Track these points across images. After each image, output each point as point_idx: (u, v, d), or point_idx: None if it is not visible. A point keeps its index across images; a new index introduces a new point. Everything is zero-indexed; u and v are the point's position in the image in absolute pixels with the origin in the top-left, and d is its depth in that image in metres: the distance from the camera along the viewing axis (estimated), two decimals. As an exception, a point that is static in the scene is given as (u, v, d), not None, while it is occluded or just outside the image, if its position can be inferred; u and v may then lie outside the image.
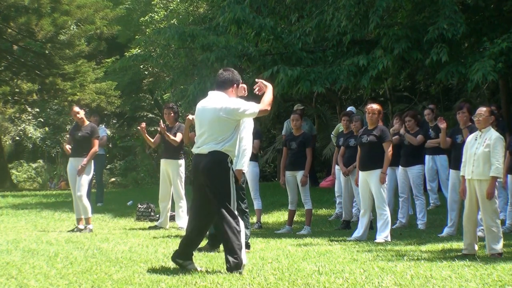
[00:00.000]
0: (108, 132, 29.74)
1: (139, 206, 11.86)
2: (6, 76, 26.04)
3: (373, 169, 8.48)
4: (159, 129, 9.99)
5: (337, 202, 11.39)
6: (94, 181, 15.05)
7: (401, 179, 10.22)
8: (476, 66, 10.71)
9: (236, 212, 5.68)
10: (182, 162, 9.91)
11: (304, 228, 9.67)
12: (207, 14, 21.59)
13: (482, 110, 7.09)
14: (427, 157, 10.66)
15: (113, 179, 34.89)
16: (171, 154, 9.92)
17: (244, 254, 5.60)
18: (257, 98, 5.99)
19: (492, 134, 7.00)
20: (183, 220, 9.78)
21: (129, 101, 31.72)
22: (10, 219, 11.79)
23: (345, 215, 10.38)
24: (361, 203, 8.84)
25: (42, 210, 13.54)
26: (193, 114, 6.47)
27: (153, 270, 5.77)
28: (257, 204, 10.30)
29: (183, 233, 6.95)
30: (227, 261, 5.58)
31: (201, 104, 5.94)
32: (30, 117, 37.60)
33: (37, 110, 35.66)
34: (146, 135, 9.90)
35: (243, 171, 7.06)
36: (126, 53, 25.52)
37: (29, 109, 34.42)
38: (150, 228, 10.18)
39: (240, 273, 5.48)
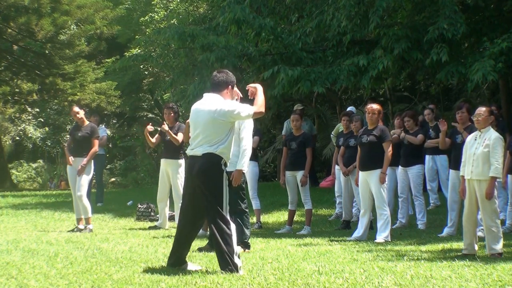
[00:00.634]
0: (108, 132, 29.76)
1: (139, 206, 11.87)
2: (6, 76, 26.03)
3: (373, 169, 8.48)
4: (159, 128, 9.99)
5: (337, 202, 11.39)
6: (94, 181, 15.05)
7: (401, 179, 10.23)
8: (476, 66, 10.71)
9: (227, 216, 5.65)
10: (182, 162, 9.91)
11: (304, 228, 9.67)
12: (207, 14, 21.60)
13: (482, 110, 7.09)
14: (427, 157, 10.66)
15: (113, 179, 34.91)
16: (171, 154, 9.92)
17: (237, 257, 5.59)
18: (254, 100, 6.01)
19: (492, 134, 7.00)
20: None
21: (129, 101, 31.72)
22: (10, 219, 11.79)
23: (345, 215, 10.38)
24: (361, 203, 8.84)
25: (42, 210, 13.54)
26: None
27: (153, 270, 5.77)
28: (255, 204, 10.28)
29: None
30: (221, 266, 5.58)
31: (196, 106, 5.94)
32: (30, 117, 37.61)
33: (37, 110, 35.66)
34: (148, 136, 9.88)
35: (243, 171, 7.07)
36: (126, 53, 25.51)
37: (29, 109, 34.43)
38: (150, 228, 10.18)
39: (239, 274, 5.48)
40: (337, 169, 10.75)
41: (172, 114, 9.97)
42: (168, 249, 7.24)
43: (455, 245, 7.75)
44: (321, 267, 5.92)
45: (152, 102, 34.47)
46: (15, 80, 26.46)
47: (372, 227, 9.28)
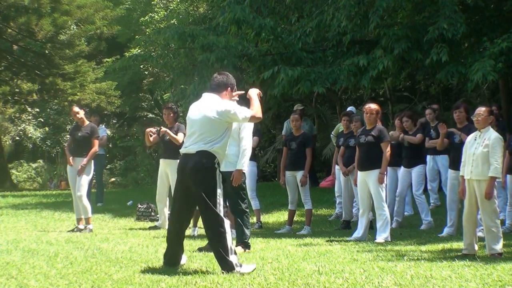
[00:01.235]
0: (108, 132, 29.76)
1: (139, 206, 11.87)
2: (6, 76, 26.03)
3: (371, 169, 8.47)
4: (159, 129, 9.97)
5: (337, 202, 11.39)
6: (94, 181, 15.05)
7: (402, 180, 10.19)
8: (476, 66, 10.71)
9: (221, 214, 5.65)
10: None
11: (304, 228, 9.67)
12: (207, 14, 21.59)
13: (481, 110, 7.09)
14: (428, 157, 10.64)
15: (113, 179, 34.91)
16: (170, 154, 9.89)
17: (233, 254, 5.60)
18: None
19: (491, 134, 7.00)
20: None
21: (129, 101, 31.71)
22: (10, 219, 11.79)
23: (345, 215, 10.38)
24: (359, 203, 8.84)
25: (42, 210, 13.54)
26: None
27: (153, 270, 5.77)
28: (255, 204, 10.28)
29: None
30: (220, 266, 5.62)
31: (194, 105, 5.97)
32: (30, 117, 37.62)
33: (37, 110, 35.67)
34: (149, 136, 9.83)
35: (243, 171, 7.07)
36: (126, 53, 25.51)
37: (29, 109, 34.43)
38: (150, 228, 10.18)
39: (239, 270, 5.49)
40: (337, 169, 10.75)
41: (171, 115, 9.95)
42: (168, 249, 7.25)
43: (455, 245, 7.75)
44: (321, 267, 5.92)
45: (152, 102, 34.46)
46: (15, 80, 26.46)
47: (372, 227, 9.27)
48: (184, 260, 6.03)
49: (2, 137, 31.63)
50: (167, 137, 9.71)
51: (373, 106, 8.71)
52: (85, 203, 9.64)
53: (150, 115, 35.39)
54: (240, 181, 7.06)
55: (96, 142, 9.87)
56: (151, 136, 9.49)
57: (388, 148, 8.52)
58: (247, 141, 7.11)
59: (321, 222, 11.19)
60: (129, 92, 31.10)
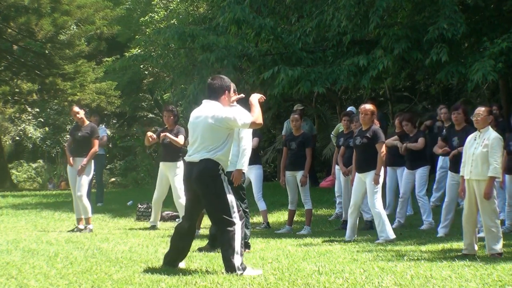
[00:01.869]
0: (108, 132, 29.73)
1: (139, 206, 11.87)
2: (6, 76, 26.02)
3: (368, 170, 8.45)
4: (159, 129, 10.00)
5: (337, 202, 11.39)
6: (94, 181, 15.04)
7: (405, 180, 10.15)
8: (476, 66, 10.71)
9: (233, 216, 5.68)
10: (180, 164, 9.86)
11: (304, 228, 9.68)
12: (207, 14, 21.57)
13: (481, 110, 7.09)
14: (439, 158, 10.61)
15: (113, 179, 34.88)
16: (170, 157, 9.91)
17: (238, 256, 5.60)
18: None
19: (491, 134, 7.00)
20: None
21: (129, 101, 31.70)
22: (10, 219, 11.79)
23: (345, 215, 10.35)
24: (351, 200, 8.77)
25: (42, 210, 13.54)
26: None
27: (153, 270, 5.77)
28: (261, 206, 10.33)
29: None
30: (223, 264, 5.66)
31: (195, 113, 5.99)
32: (30, 117, 37.58)
33: (37, 110, 35.63)
34: (148, 138, 9.83)
35: (243, 171, 7.07)
36: (126, 53, 25.50)
37: (29, 109, 34.40)
38: (150, 228, 10.18)
39: (241, 274, 5.49)
40: (337, 169, 10.74)
41: (171, 117, 9.95)
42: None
43: (455, 245, 7.75)
44: (321, 267, 5.93)
45: (152, 102, 34.45)
46: (15, 80, 26.44)
47: (372, 227, 9.27)
48: (182, 265, 6.04)
49: (2, 137, 31.61)
50: (167, 140, 9.72)
51: (368, 106, 8.68)
52: (85, 203, 9.64)
53: (150, 115, 35.36)
54: (240, 181, 7.06)
55: (96, 142, 9.88)
56: (151, 139, 9.57)
57: (383, 149, 8.49)
58: (247, 141, 7.11)
59: (321, 222, 11.19)
60: (129, 92, 31.08)
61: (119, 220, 11.87)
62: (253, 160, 9.11)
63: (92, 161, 9.87)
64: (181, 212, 10.03)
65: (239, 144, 7.12)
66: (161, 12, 26.44)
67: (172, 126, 9.92)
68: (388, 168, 10.35)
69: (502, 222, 8.90)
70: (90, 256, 6.74)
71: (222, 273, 5.53)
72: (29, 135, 38.37)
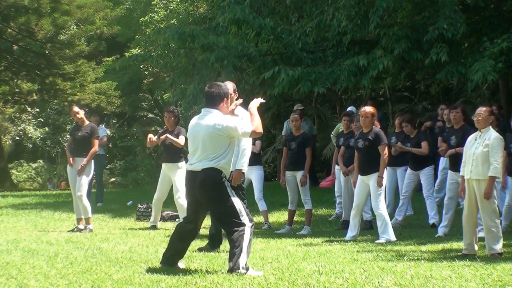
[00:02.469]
0: (108, 132, 29.73)
1: (139, 206, 11.87)
2: (6, 76, 26.01)
3: (371, 173, 8.46)
4: (159, 129, 10.01)
5: (337, 202, 11.38)
6: (94, 181, 15.05)
7: (408, 179, 10.14)
8: (476, 66, 10.71)
9: (242, 219, 5.70)
10: (182, 164, 9.86)
11: (304, 228, 9.68)
12: (207, 14, 21.58)
13: (482, 110, 7.09)
14: (441, 159, 10.62)
15: (113, 179, 34.88)
16: (172, 158, 9.91)
17: (243, 258, 5.60)
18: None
19: (491, 134, 7.01)
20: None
21: (129, 101, 31.69)
22: (10, 219, 11.79)
23: (345, 215, 10.35)
24: (354, 201, 8.78)
25: (42, 210, 13.53)
26: (193, 114, 6.52)
27: (153, 270, 5.78)
28: (262, 206, 10.34)
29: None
30: (228, 262, 5.68)
31: (195, 121, 5.99)
32: (30, 117, 37.58)
33: (37, 110, 35.63)
34: (149, 140, 9.82)
35: (243, 171, 7.07)
36: (126, 53, 25.50)
37: (29, 109, 34.40)
38: (150, 228, 10.18)
39: (244, 273, 5.49)
40: (337, 169, 10.74)
41: (172, 118, 9.95)
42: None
43: (455, 245, 7.75)
44: (321, 267, 5.93)
45: (152, 102, 34.45)
46: (15, 80, 26.43)
47: (372, 227, 9.26)
48: (182, 265, 6.04)
49: (2, 137, 31.60)
50: (168, 141, 9.72)
51: (368, 109, 8.69)
52: (85, 203, 9.64)
53: (150, 115, 35.36)
54: (239, 180, 7.06)
55: (96, 142, 9.88)
56: (152, 141, 9.57)
57: (386, 151, 8.51)
58: (247, 141, 7.11)
59: (321, 222, 11.19)
60: (129, 92, 31.08)
61: (119, 220, 11.87)
62: (254, 161, 9.12)
63: (92, 161, 9.87)
64: (181, 213, 10.05)
65: (239, 144, 7.12)
66: (161, 12, 26.44)
67: (172, 127, 9.92)
68: (388, 168, 10.31)
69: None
70: (90, 256, 6.74)
71: (222, 273, 5.54)
72: (29, 135, 38.37)
